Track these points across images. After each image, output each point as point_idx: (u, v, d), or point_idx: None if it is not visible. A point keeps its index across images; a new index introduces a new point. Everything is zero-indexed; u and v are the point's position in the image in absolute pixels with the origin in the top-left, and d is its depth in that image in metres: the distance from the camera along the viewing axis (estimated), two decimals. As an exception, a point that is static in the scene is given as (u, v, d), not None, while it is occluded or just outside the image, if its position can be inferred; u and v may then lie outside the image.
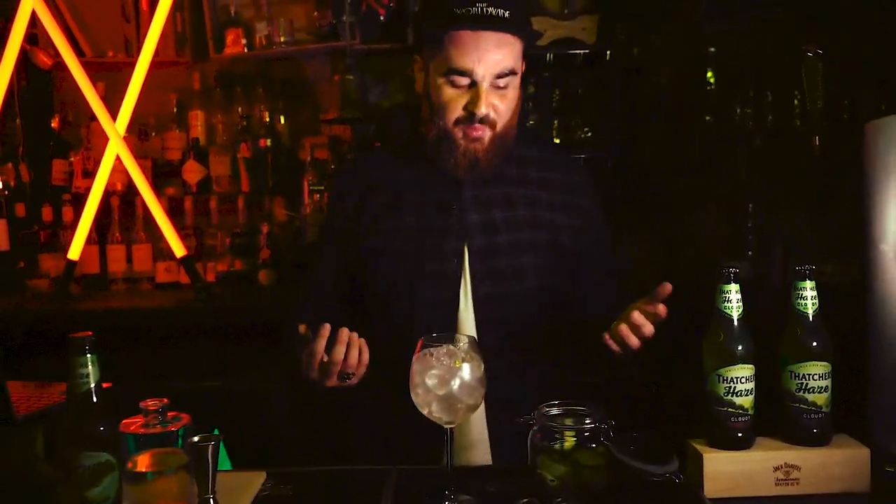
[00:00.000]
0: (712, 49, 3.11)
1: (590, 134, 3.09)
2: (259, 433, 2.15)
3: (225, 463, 1.67)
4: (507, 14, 1.48)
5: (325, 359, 1.39)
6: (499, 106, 1.54)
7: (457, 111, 1.53)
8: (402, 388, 1.27)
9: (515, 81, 1.55)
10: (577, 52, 2.99)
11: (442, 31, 1.51)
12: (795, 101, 2.72)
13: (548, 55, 3.01)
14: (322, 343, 1.39)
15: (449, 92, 1.53)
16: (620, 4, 3.05)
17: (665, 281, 1.38)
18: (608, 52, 2.99)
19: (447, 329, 1.57)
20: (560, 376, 1.71)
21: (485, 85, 1.50)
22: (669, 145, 3.11)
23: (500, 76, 1.51)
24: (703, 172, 3.04)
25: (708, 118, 3.08)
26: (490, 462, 1.58)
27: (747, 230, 2.99)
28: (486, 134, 1.55)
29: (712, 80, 3.10)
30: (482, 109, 1.51)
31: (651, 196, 3.09)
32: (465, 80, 1.51)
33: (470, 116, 1.52)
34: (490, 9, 1.47)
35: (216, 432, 1.55)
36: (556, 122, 3.13)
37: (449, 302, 1.58)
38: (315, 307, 1.68)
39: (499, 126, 1.55)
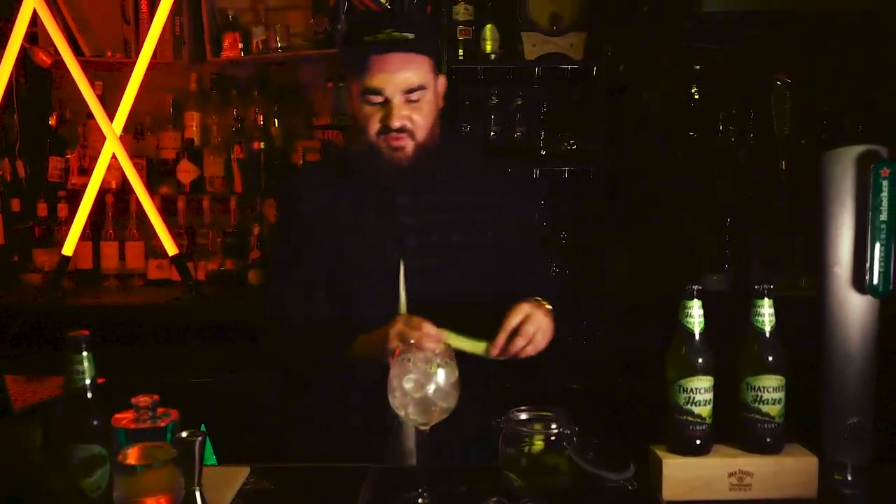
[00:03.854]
0: (697, 66, 3.19)
1: (575, 147, 3.16)
2: (244, 429, 2.21)
3: (210, 458, 1.73)
4: (411, 36, 1.64)
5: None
6: (414, 117, 1.68)
7: (376, 124, 1.68)
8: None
9: (428, 95, 1.69)
10: (565, 67, 3.07)
11: (356, 57, 1.67)
12: (774, 123, 2.82)
13: (536, 69, 3.08)
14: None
15: (367, 109, 1.68)
16: (608, 22, 3.12)
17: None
18: (595, 69, 3.07)
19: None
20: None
21: (396, 100, 1.66)
22: (653, 159, 3.19)
23: (409, 91, 1.66)
24: (686, 187, 3.12)
25: (692, 133, 3.16)
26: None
27: (725, 244, 3.07)
28: (407, 143, 1.69)
29: (697, 97, 3.19)
30: (395, 122, 1.66)
31: (633, 208, 3.16)
32: (378, 98, 1.66)
33: (386, 129, 1.67)
34: (395, 33, 1.64)
35: (203, 427, 1.61)
36: (542, 133, 3.20)
37: (388, 298, 1.71)
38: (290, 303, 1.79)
39: (419, 136, 1.69)
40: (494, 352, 1.53)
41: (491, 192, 1.80)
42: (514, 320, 1.53)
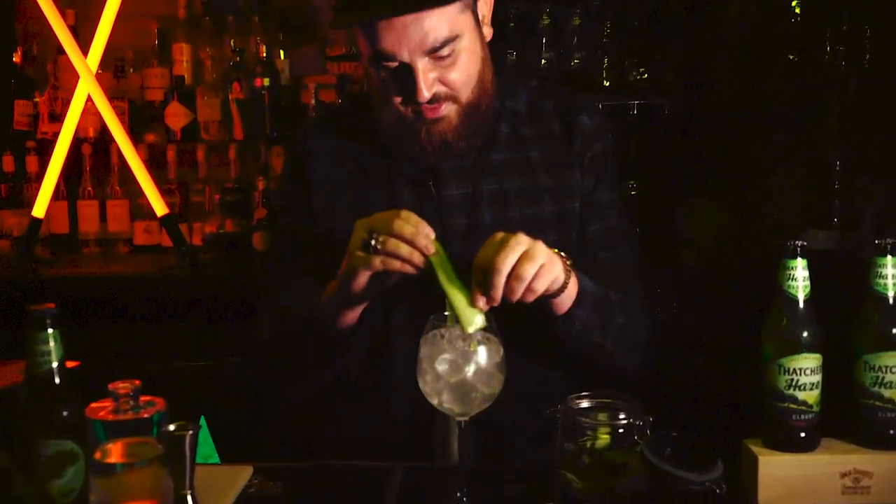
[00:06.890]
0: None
1: (646, 76, 3.12)
2: (249, 422, 2.22)
3: (212, 456, 1.73)
4: None
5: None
6: (449, 77, 1.49)
7: (398, 94, 1.51)
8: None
9: (465, 41, 1.50)
10: (633, -24, 3.01)
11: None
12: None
13: (598, -19, 3.02)
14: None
15: (383, 74, 1.50)
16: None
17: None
18: (671, -22, 3.01)
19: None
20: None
21: (419, 65, 1.46)
22: (742, 90, 3.11)
23: (434, 50, 1.46)
24: (783, 124, 3.05)
25: (791, 57, 3.07)
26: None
27: (834, 194, 3.00)
28: (449, 110, 1.52)
29: (798, 11, 3.09)
30: (424, 94, 1.47)
31: (718, 151, 3.10)
32: (394, 64, 1.47)
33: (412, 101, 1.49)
34: None
35: (202, 420, 1.61)
36: (605, 60, 3.14)
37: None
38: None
39: (462, 97, 1.52)
40: (480, 304, 1.30)
41: (561, 146, 1.65)
42: (509, 258, 1.30)
